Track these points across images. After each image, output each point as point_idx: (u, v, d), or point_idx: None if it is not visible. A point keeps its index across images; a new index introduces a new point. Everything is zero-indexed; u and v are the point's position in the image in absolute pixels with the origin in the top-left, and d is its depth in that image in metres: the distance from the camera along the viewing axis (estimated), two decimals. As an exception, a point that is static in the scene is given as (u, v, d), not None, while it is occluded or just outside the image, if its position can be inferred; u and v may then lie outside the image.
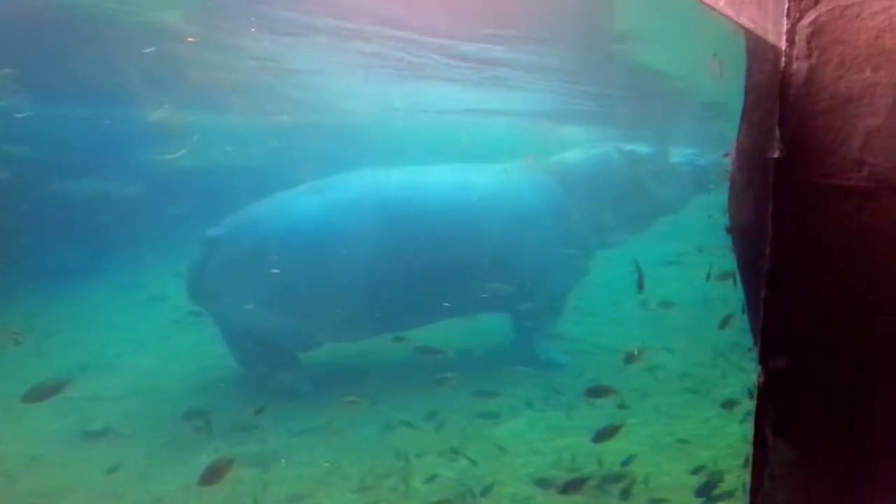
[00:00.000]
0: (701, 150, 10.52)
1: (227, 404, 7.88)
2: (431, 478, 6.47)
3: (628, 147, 9.89)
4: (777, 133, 1.97)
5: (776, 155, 1.97)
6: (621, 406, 7.49)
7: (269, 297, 8.20)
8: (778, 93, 1.97)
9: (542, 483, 6.30)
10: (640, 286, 7.80)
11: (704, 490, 5.63)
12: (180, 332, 10.17)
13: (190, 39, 10.97)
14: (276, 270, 8.12)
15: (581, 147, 10.03)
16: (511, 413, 7.81)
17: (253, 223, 8.62)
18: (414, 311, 8.69)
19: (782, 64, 1.94)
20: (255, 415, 7.00)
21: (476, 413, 7.71)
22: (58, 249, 12.15)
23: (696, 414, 7.66)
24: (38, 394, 6.22)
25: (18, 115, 10.81)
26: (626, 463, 6.45)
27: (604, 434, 6.34)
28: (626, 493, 6.04)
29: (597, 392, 7.19)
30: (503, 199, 9.07)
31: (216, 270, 8.35)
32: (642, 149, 9.98)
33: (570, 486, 5.94)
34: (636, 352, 7.70)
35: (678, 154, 10.38)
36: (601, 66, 11.34)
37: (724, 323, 7.53)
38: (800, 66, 1.94)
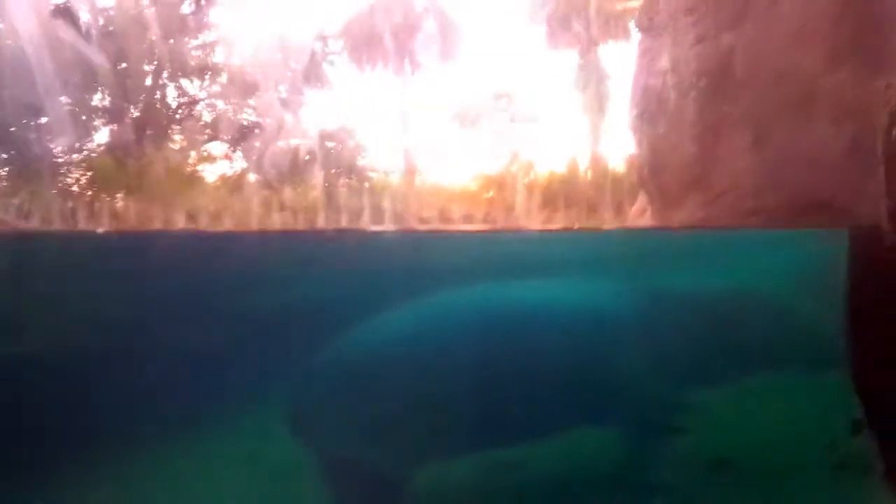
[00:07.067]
0: None
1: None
2: None
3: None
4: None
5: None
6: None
7: (366, 419, 7.94)
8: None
9: None
10: None
11: None
12: (289, 483, 9.84)
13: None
14: (376, 390, 7.91)
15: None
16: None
17: (350, 345, 8.52)
18: (512, 426, 8.09)
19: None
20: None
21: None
22: (157, 402, 12.15)
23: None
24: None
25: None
26: None
27: None
28: None
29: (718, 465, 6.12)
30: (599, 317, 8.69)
31: (313, 398, 8.23)
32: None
33: None
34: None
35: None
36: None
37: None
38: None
